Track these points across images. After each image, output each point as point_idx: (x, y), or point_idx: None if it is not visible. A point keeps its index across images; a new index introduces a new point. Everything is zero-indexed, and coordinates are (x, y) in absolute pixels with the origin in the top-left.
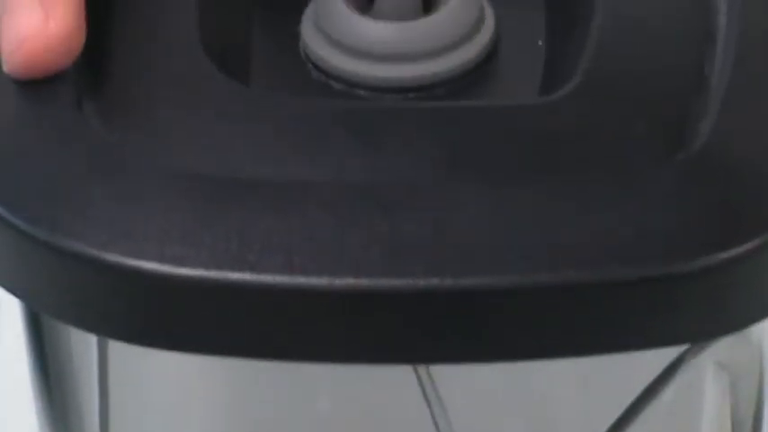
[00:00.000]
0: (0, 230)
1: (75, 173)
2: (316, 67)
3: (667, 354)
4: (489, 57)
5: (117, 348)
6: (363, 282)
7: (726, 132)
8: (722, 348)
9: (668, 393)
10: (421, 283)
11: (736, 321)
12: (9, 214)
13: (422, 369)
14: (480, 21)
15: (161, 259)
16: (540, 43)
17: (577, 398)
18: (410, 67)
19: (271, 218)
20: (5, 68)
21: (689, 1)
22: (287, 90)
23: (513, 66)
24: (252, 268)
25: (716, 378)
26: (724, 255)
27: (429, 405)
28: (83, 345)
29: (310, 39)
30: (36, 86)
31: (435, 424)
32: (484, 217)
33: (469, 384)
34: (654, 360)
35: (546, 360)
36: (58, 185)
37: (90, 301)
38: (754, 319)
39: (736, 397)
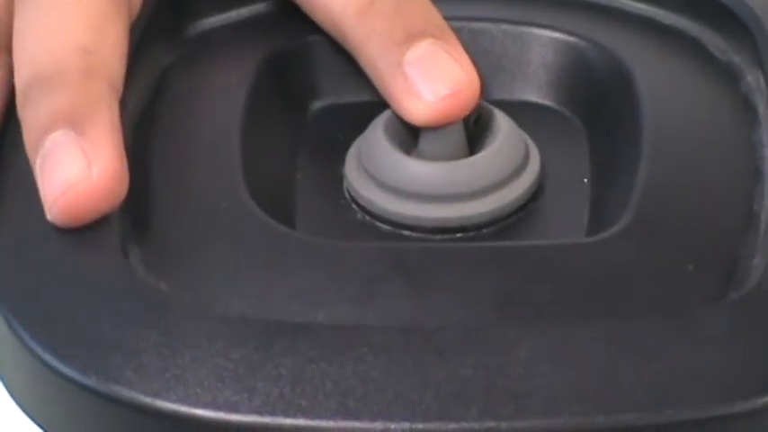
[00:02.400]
0: (50, 379)
1: (123, 321)
2: (361, 208)
3: None
4: (535, 196)
5: None
6: (418, 426)
7: None
8: None
9: None
10: (476, 427)
11: None
12: (59, 363)
13: None
14: (525, 160)
15: (214, 406)
16: (585, 181)
17: None
18: (457, 207)
19: (324, 362)
20: (48, 216)
21: (734, 138)
22: (332, 232)
23: (560, 204)
24: (305, 413)
25: None
26: None
27: None
28: None
29: (355, 180)
30: (81, 234)
31: None
32: (537, 359)
33: None
34: None
35: None
36: (107, 334)
37: None
38: None
39: None
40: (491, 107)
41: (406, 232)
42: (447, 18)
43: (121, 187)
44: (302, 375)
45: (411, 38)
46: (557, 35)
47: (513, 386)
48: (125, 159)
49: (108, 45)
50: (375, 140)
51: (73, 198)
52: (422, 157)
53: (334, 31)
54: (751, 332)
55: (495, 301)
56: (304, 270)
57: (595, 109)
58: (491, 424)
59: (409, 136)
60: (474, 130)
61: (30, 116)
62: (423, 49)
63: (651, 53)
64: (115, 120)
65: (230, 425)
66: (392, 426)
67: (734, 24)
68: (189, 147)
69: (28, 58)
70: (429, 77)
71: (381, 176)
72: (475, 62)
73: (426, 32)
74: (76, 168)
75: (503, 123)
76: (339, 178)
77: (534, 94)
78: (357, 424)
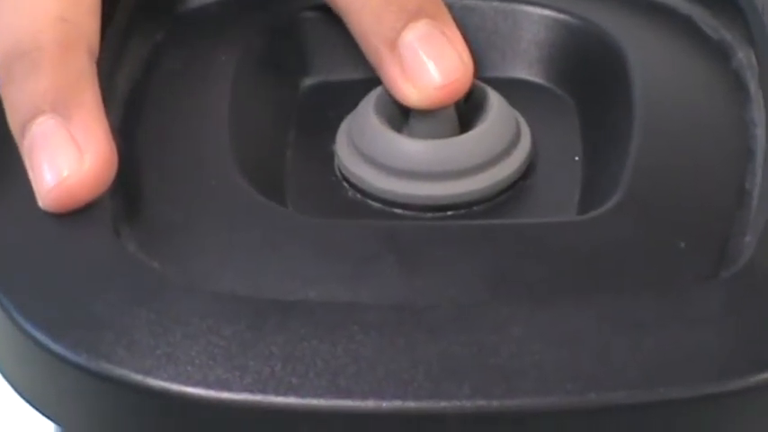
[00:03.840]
0: (41, 357)
1: (115, 299)
2: (351, 185)
3: None
4: (526, 174)
5: None
6: (410, 404)
7: None
8: None
9: None
10: (468, 405)
11: None
12: (51, 341)
13: None
14: (516, 138)
15: (205, 384)
16: (576, 159)
17: None
18: (448, 185)
19: (315, 340)
20: (41, 204)
21: (725, 116)
22: (323, 209)
23: (551, 182)
24: (296, 391)
25: None
26: None
27: None
28: None
29: (346, 157)
30: (73, 214)
31: None
32: (529, 338)
33: None
34: None
35: None
36: (98, 312)
37: (132, 427)
38: None
39: None
40: (482, 85)
41: (397, 210)
42: None
43: (112, 171)
44: (293, 353)
45: (407, 15)
46: (548, 12)
47: (504, 365)
48: (113, 142)
49: (83, 11)
50: (366, 118)
51: (66, 190)
52: (413, 134)
53: (330, 1)
54: (743, 310)
55: (487, 280)
56: (295, 248)
57: (587, 87)
58: (483, 402)
59: (400, 113)
60: (465, 107)
61: (13, 96)
62: (419, 30)
63: (642, 30)
64: (99, 98)
65: (221, 403)
66: (384, 404)
67: (725, 2)
68: (179, 124)
69: (4, 28)
70: (425, 63)
71: (372, 154)
72: (466, 39)
73: (422, 11)
74: (68, 160)
75: (494, 101)
76: (330, 156)
77: (525, 71)
78: (348, 402)
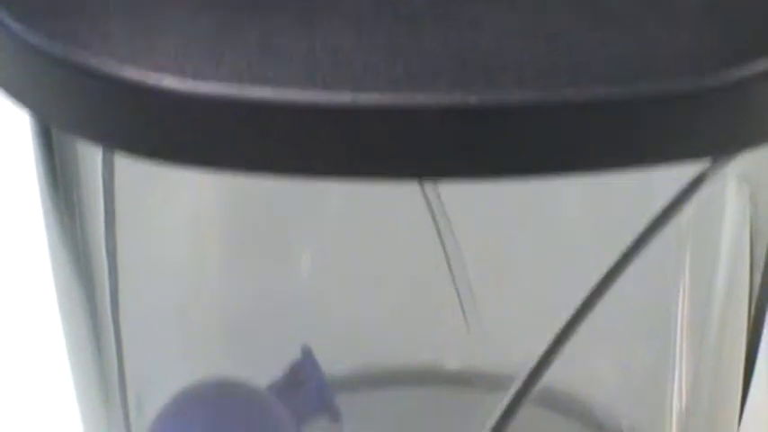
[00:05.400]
0: (15, 47)
1: None
2: None
3: (688, 171)
4: None
5: (123, 163)
6: (387, 97)
7: None
8: (745, 161)
9: (690, 208)
10: (445, 99)
11: (765, 134)
12: (24, 31)
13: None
14: None
15: (180, 74)
16: None
17: (591, 219)
18: None
19: (292, 32)
20: None
21: None
22: None
23: None
24: (273, 83)
25: (738, 190)
26: (754, 67)
27: (436, 223)
28: (90, 158)
29: None
30: None
31: (441, 241)
32: (510, 32)
33: (478, 205)
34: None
35: (570, 176)
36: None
37: (106, 117)
38: None
39: (755, 207)
40: None
41: None
42: None
43: None
44: (270, 45)
45: None
46: None
47: (483, 58)
48: None
49: None
50: None
51: None
52: None
53: None
54: (722, 5)
55: None
56: None
57: None
58: (459, 96)
59: None
60: None
61: None
62: None
63: None
64: None
65: (195, 94)
66: (361, 96)
67: None
68: None
69: None
70: None
71: None
72: None
73: None
74: None
75: None
76: None
77: None
78: (325, 94)
